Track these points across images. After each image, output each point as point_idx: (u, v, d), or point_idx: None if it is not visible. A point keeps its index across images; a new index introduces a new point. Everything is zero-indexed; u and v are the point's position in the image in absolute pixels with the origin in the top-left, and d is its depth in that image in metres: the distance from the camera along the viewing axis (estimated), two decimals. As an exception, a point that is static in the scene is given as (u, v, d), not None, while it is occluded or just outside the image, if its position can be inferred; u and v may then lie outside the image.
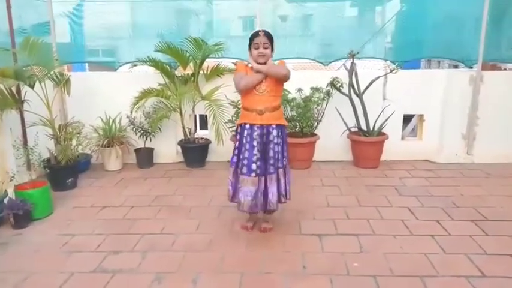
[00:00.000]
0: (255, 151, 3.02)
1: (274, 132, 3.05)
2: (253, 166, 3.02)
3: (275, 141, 3.05)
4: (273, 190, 3.09)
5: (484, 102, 5.03)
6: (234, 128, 4.36)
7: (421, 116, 5.39)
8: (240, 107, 3.48)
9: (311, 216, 3.59)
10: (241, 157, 3.07)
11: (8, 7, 4.38)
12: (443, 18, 5.38)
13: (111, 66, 5.60)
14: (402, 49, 5.55)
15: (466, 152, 5.17)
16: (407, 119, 5.96)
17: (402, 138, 5.44)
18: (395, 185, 4.40)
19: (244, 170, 3.04)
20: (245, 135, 3.05)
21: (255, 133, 3.03)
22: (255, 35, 2.99)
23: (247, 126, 3.05)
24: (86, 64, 6.53)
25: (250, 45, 3.02)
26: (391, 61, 5.30)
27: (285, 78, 3.02)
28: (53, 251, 3.08)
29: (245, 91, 3.03)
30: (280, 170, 3.13)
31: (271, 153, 3.04)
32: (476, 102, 5.03)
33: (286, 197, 3.21)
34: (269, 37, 2.99)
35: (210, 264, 2.85)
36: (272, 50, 3.04)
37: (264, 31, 2.99)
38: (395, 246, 3.05)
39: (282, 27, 5.74)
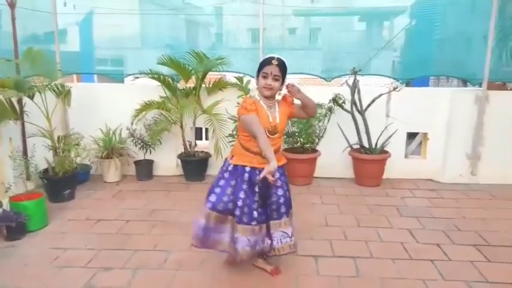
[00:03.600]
0: (257, 197, 2.65)
1: (277, 174, 2.58)
2: (255, 214, 2.64)
3: (277, 183, 2.65)
4: (278, 236, 2.75)
5: (490, 122, 4.93)
6: (233, 143, 4.32)
7: (425, 134, 5.30)
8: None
9: (308, 236, 3.50)
10: (239, 204, 2.64)
11: (13, 19, 4.40)
12: (450, 35, 5.33)
13: (115, 78, 5.64)
14: (408, 66, 5.52)
15: (471, 172, 5.06)
16: (413, 136, 5.88)
17: (406, 157, 5.35)
18: (397, 205, 4.30)
19: (245, 218, 2.64)
20: (245, 179, 2.64)
21: (257, 177, 2.60)
22: (267, 62, 2.53)
23: (248, 169, 2.65)
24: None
25: (259, 71, 2.57)
26: (394, 78, 5.24)
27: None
28: (43, 266, 3.03)
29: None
30: (292, 216, 2.80)
31: (274, 198, 2.71)
32: (481, 122, 4.93)
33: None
34: (282, 68, 2.54)
35: (200, 284, 2.79)
36: (282, 82, 2.60)
37: (278, 59, 2.53)
38: (393, 271, 2.96)
39: (288, 41, 5.73)
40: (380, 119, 5.11)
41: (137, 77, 5.17)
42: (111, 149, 4.99)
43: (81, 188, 4.72)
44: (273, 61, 2.51)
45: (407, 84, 6.97)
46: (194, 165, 5.07)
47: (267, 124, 2.57)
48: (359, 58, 5.29)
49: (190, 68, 4.92)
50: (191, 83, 5.12)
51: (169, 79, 5.06)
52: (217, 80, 5.15)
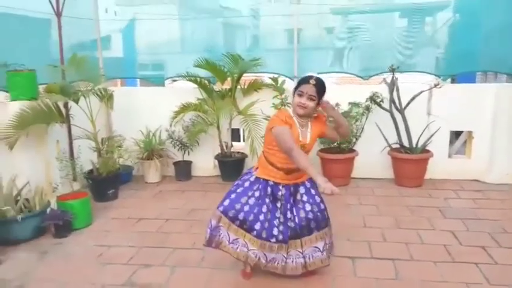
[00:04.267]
0: (278, 213, 2.61)
1: (302, 190, 2.67)
2: (275, 231, 2.58)
3: (304, 199, 2.67)
4: (309, 252, 2.68)
5: (539, 118, 4.66)
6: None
7: (470, 132, 5.07)
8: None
9: (345, 237, 3.45)
10: (261, 218, 2.61)
11: (59, 27, 4.65)
12: (495, 29, 5.07)
13: (154, 82, 5.82)
14: (450, 62, 5.31)
15: (520, 172, 4.80)
16: (458, 135, 5.66)
17: (449, 156, 5.14)
18: (440, 206, 4.14)
19: (264, 234, 2.59)
20: (268, 193, 2.63)
21: (280, 193, 2.63)
22: (305, 81, 2.50)
23: (271, 183, 2.64)
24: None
25: (296, 88, 2.56)
26: (436, 75, 5.05)
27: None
28: (87, 262, 3.17)
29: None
30: (326, 230, 2.72)
31: (302, 214, 2.65)
32: (530, 119, 4.67)
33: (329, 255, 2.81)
34: (319, 89, 2.48)
35: (236, 283, 2.82)
36: (318, 103, 2.54)
37: (317, 80, 2.48)
38: (435, 274, 2.86)
39: (325, 40, 5.68)
40: (421, 118, 4.94)
41: (175, 80, 5.30)
42: (151, 151, 5.14)
43: (124, 188, 4.90)
44: (310, 81, 2.47)
45: (453, 81, 6.71)
46: (230, 166, 5.13)
47: (296, 142, 2.50)
48: (399, 55, 5.15)
49: (225, 70, 4.98)
50: (227, 85, 5.19)
51: (206, 81, 5.15)
52: (252, 81, 5.19)
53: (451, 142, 5.28)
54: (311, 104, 2.49)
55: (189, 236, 3.58)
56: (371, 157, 5.03)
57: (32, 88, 4.09)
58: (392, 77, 4.69)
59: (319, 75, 2.55)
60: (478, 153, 4.97)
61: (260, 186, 2.66)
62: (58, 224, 3.55)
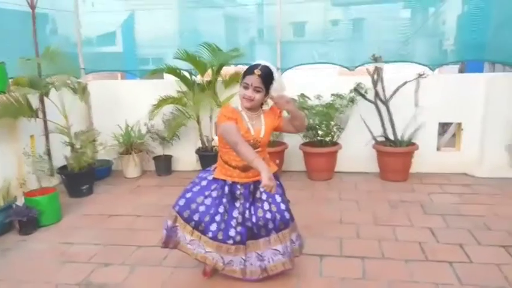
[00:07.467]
0: (236, 213, 2.46)
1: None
2: (232, 232, 2.43)
3: (263, 197, 2.50)
4: (268, 255, 2.51)
5: (532, 109, 4.44)
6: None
7: (459, 124, 4.87)
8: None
9: (318, 233, 3.30)
10: (217, 219, 2.45)
11: (33, 18, 4.53)
12: (501, 20, 4.84)
13: (137, 75, 5.68)
14: (437, 52, 5.11)
15: (511, 165, 4.58)
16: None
17: (438, 149, 4.95)
18: (422, 201, 3.98)
19: (221, 235, 2.44)
20: (226, 192, 2.48)
21: (238, 191, 2.48)
22: (249, 71, 2.32)
23: (228, 182, 2.48)
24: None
25: (241, 79, 2.38)
26: (422, 64, 4.85)
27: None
28: (48, 260, 3.07)
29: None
30: (285, 232, 2.51)
31: (260, 213, 2.47)
32: (521, 109, 4.46)
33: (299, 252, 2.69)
34: (266, 79, 2.31)
35: (196, 282, 2.70)
36: (266, 94, 2.37)
37: (262, 69, 2.30)
38: (404, 273, 2.70)
39: (328, 33, 5.49)
40: (408, 109, 4.73)
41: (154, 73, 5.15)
42: (130, 145, 5.02)
43: (101, 183, 4.81)
44: (255, 71, 2.29)
45: (461, 71, 6.42)
46: (211, 160, 4.91)
47: (248, 138, 2.37)
48: (398, 46, 4.95)
49: (205, 62, 4.83)
50: (209, 77, 5.03)
51: (186, 73, 5.00)
52: (233, 72, 5.03)
53: (441, 134, 5.10)
54: (257, 96, 2.33)
55: (156, 233, 3.38)
56: (355, 150, 4.86)
57: (1, 81, 3.99)
58: (376, 67, 4.50)
59: (274, 65, 2.42)
60: (468, 146, 4.78)
61: (217, 186, 2.51)
62: (22, 220, 3.45)
